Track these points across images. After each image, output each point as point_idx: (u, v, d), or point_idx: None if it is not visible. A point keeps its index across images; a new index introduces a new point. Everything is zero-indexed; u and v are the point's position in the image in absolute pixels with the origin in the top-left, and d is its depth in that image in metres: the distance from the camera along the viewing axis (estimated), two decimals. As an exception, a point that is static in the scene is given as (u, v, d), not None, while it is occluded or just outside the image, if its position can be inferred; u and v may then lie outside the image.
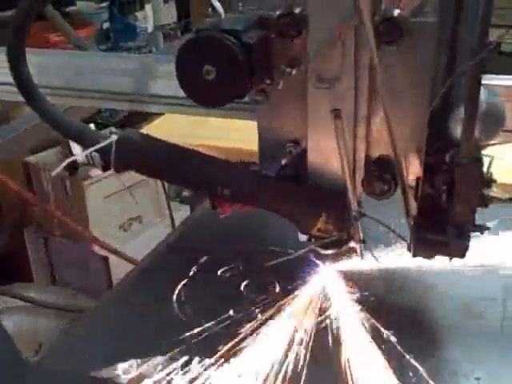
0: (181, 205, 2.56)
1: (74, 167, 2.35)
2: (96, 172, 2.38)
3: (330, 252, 0.83)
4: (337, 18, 0.74)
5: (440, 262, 0.77)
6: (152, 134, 1.40)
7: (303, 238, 0.84)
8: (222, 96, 0.75)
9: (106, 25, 3.02)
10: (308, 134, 0.81)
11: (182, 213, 2.52)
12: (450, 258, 0.73)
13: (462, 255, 0.72)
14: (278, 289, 0.90)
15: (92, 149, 0.80)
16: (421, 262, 0.78)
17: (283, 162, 0.82)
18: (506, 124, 0.71)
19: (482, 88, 0.67)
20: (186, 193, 2.43)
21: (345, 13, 0.74)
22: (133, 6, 3.13)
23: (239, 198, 0.82)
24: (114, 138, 0.81)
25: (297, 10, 0.76)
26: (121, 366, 0.76)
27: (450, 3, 0.68)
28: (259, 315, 0.84)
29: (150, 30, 3.26)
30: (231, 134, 1.58)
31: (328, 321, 0.83)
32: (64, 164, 0.78)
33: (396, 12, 0.74)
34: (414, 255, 0.74)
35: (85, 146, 0.82)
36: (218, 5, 0.76)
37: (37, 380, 0.80)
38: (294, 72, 0.79)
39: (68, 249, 2.42)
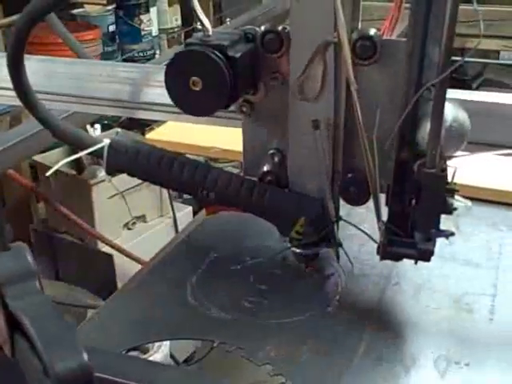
0: (183, 205, 2.63)
1: (80, 167, 2.41)
2: (102, 172, 2.43)
3: (308, 252, 0.88)
4: (317, 36, 0.80)
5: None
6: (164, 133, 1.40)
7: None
8: (208, 106, 0.81)
9: (111, 27, 3.06)
10: (289, 142, 0.86)
11: (183, 213, 2.59)
12: (416, 262, 0.78)
13: (428, 259, 0.77)
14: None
15: (84, 152, 0.85)
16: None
17: (265, 168, 0.88)
18: (470, 136, 0.76)
19: (447, 102, 0.72)
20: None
21: (325, 31, 0.79)
22: (138, 9, 3.15)
23: (223, 200, 0.87)
24: (107, 142, 0.87)
25: (280, 27, 0.82)
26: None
27: (419, 22, 0.73)
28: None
29: (154, 33, 3.31)
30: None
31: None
32: (56, 167, 0.83)
33: (372, 31, 0.79)
34: (382, 258, 0.79)
35: (80, 149, 0.87)
36: (206, 21, 0.81)
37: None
38: (277, 85, 0.84)
39: (73, 246, 2.47)
